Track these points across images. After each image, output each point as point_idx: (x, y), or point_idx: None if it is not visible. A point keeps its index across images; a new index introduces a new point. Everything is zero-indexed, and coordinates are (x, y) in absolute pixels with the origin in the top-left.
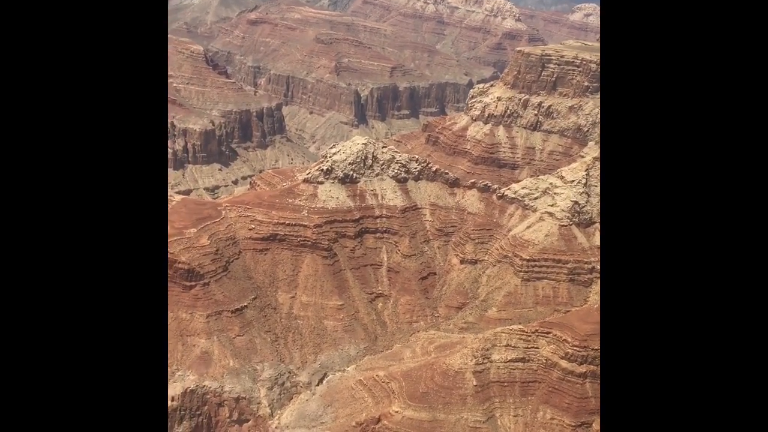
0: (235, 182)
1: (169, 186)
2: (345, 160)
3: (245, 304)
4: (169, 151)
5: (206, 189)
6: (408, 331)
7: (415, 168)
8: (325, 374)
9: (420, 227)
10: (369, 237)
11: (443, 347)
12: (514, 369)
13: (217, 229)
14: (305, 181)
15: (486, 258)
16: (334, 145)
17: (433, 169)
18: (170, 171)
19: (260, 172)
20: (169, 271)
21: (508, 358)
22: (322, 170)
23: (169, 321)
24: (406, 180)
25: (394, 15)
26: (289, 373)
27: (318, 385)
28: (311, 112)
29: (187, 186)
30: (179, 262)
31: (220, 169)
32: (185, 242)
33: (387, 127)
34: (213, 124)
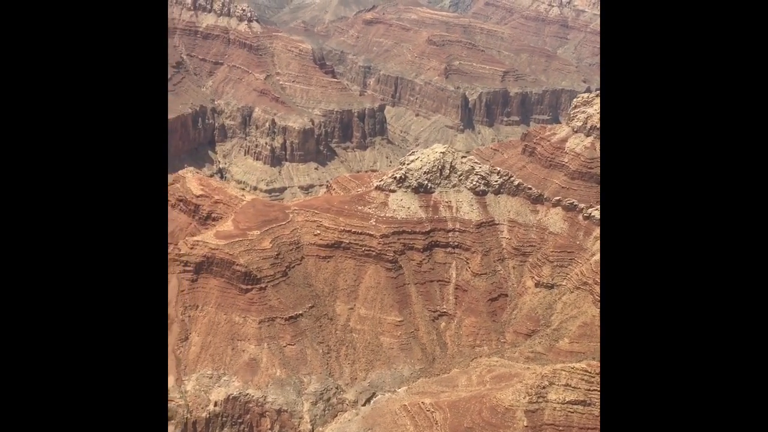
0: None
1: (264, 183)
2: (421, 168)
3: (300, 312)
4: (267, 147)
5: (300, 187)
6: (469, 356)
7: (496, 181)
8: (374, 394)
9: (495, 244)
10: (439, 251)
11: (501, 378)
12: (572, 412)
13: (281, 233)
14: (377, 188)
15: (564, 283)
16: (413, 152)
17: (515, 182)
18: (266, 168)
19: (357, 173)
20: (227, 273)
21: (566, 399)
22: (395, 178)
23: (222, 323)
24: (484, 193)
25: (516, 17)
26: (337, 388)
27: (364, 404)
28: (417, 115)
29: (281, 183)
30: (237, 264)
31: (316, 168)
32: (246, 244)
33: (494, 133)
34: (312, 123)
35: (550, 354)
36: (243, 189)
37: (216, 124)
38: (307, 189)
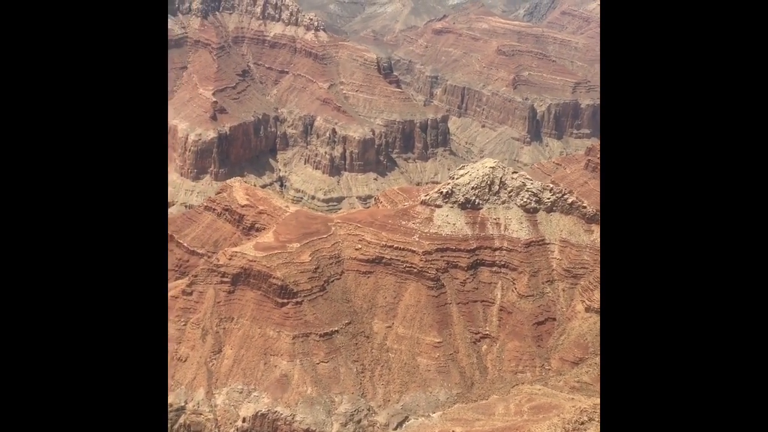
0: None
1: (322, 192)
2: (469, 183)
3: (336, 328)
4: (327, 157)
5: (359, 197)
6: (510, 382)
7: (548, 198)
8: (406, 418)
9: (544, 265)
10: (484, 270)
11: (540, 409)
12: None
13: (321, 246)
14: (423, 203)
15: None
16: (462, 166)
17: (569, 200)
18: (325, 177)
19: (417, 184)
20: (263, 286)
21: None
22: (442, 193)
23: (256, 337)
24: (535, 210)
25: (592, 27)
26: (368, 410)
27: (396, 429)
28: (483, 126)
29: (339, 193)
30: (274, 277)
31: (375, 179)
32: (285, 257)
33: (563, 146)
34: (373, 133)
35: (597, 385)
36: (301, 198)
37: (278, 133)
38: (365, 199)
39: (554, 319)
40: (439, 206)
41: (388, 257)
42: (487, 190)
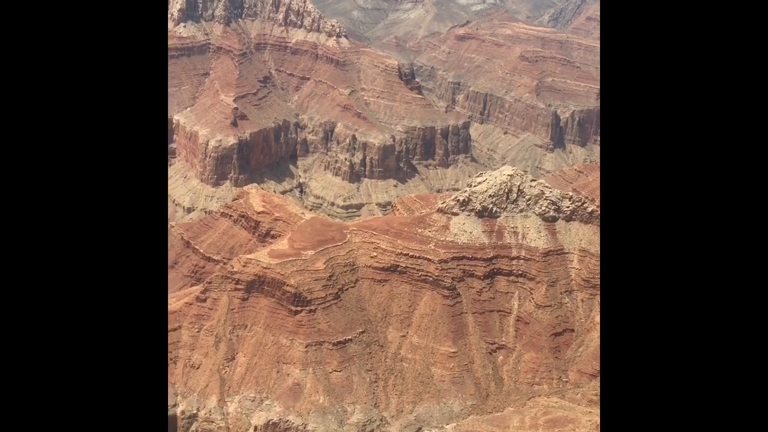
0: None
1: (341, 198)
2: (486, 191)
3: (350, 337)
4: (346, 163)
5: (378, 204)
6: (526, 394)
7: (568, 206)
8: (420, 429)
9: (563, 275)
10: (501, 279)
11: (556, 422)
12: None
13: (336, 254)
14: (439, 210)
15: None
16: (480, 173)
17: (590, 209)
18: (345, 183)
19: (438, 191)
20: (277, 293)
21: None
22: (458, 200)
23: (269, 345)
24: (555, 219)
25: None
26: (381, 420)
27: None
28: (505, 132)
29: (359, 200)
30: (287, 285)
31: (395, 185)
32: (299, 264)
33: (587, 153)
34: (393, 140)
35: None
36: (320, 204)
37: (299, 139)
38: (384, 206)
39: (572, 330)
40: (455, 214)
41: (404, 265)
42: (504, 198)
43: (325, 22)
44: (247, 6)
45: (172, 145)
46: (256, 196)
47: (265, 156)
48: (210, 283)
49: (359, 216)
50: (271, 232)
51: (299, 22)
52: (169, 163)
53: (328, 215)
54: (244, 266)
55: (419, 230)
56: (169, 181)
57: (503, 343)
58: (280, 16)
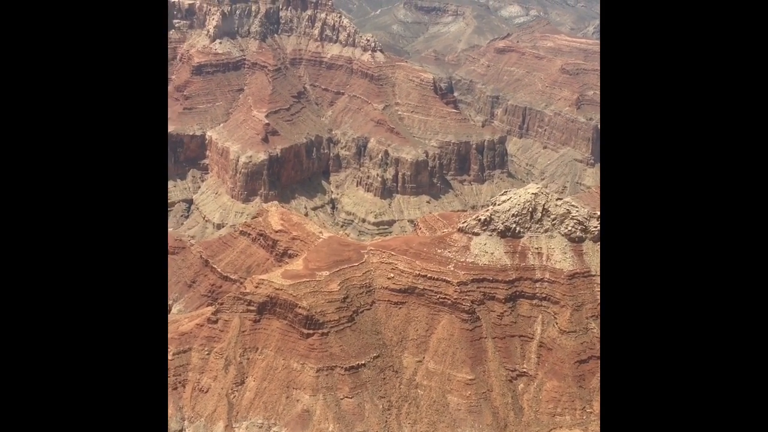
0: None
1: (372, 215)
2: (509, 210)
3: (363, 362)
4: (378, 179)
5: (410, 221)
6: (547, 425)
7: (595, 227)
8: None
9: (590, 299)
10: (523, 303)
11: None
12: None
13: (352, 275)
14: (460, 230)
15: None
16: (505, 191)
17: None
18: (377, 199)
19: (472, 207)
20: (289, 315)
21: None
22: (480, 220)
23: (279, 369)
24: (581, 240)
25: None
26: None
27: None
28: (545, 147)
29: (390, 216)
30: (299, 307)
31: (428, 202)
32: (313, 285)
33: None
34: (426, 155)
35: None
36: (351, 221)
37: (331, 155)
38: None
39: (598, 358)
40: (477, 234)
41: (421, 287)
42: (528, 218)
43: (361, 36)
44: (283, 22)
45: (204, 161)
46: (275, 215)
47: (296, 172)
48: (222, 304)
49: (391, 232)
50: (289, 252)
51: (335, 37)
52: (201, 179)
53: (360, 232)
54: (257, 287)
55: (439, 251)
56: (201, 197)
57: (524, 370)
58: (316, 31)
